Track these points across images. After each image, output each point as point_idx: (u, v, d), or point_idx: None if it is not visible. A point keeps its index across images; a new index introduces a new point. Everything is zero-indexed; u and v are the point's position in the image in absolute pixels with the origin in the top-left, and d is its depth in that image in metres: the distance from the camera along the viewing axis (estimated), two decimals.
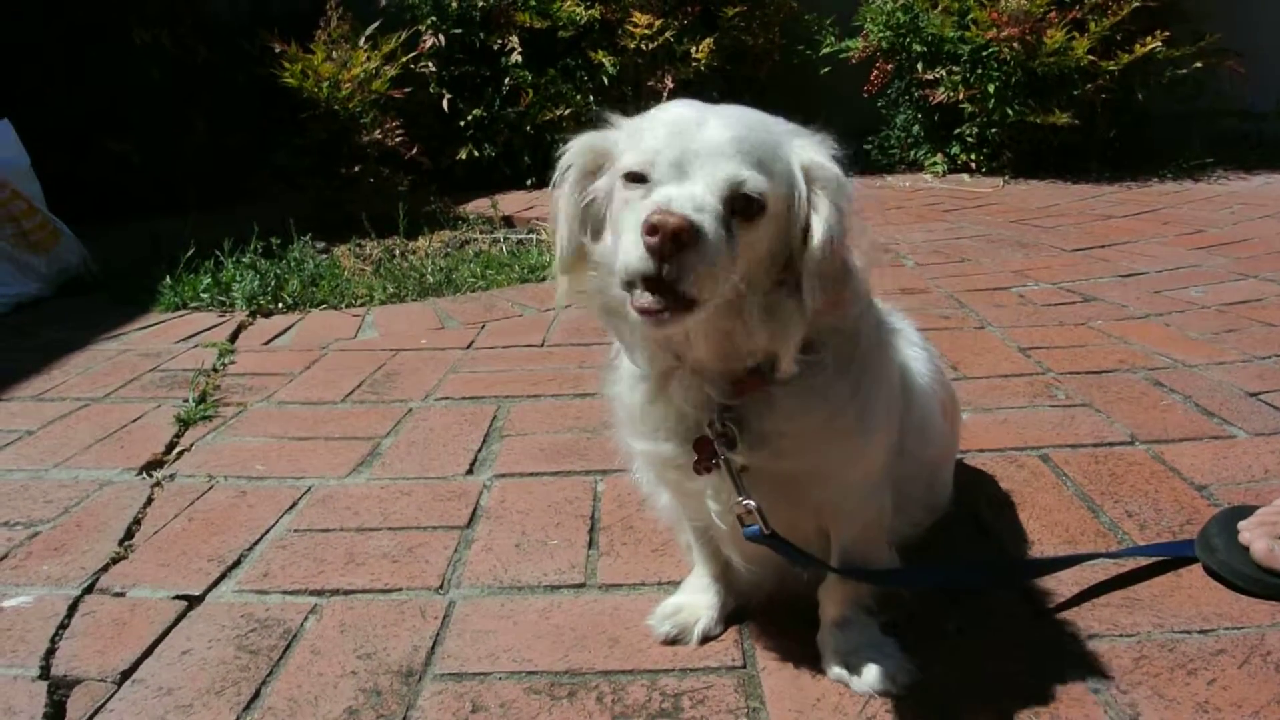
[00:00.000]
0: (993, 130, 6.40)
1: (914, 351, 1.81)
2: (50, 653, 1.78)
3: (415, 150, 5.79)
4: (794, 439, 1.45)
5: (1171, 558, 1.91)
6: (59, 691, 1.67)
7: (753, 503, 1.46)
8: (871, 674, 1.58)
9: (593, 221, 1.45)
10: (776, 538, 1.51)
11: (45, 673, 1.72)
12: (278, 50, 5.41)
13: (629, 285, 1.24)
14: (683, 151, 1.28)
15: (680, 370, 1.44)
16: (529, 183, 6.71)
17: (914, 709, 1.54)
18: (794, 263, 1.36)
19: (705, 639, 1.72)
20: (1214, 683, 1.57)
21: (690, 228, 1.19)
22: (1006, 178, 6.45)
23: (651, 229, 1.19)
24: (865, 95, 6.85)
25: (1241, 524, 1.86)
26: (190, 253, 4.44)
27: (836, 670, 1.61)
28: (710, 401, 1.44)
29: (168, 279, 4.29)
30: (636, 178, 1.31)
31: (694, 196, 1.24)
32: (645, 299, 1.23)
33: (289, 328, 3.81)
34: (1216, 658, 1.63)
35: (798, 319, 1.35)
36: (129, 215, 5.79)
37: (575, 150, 1.46)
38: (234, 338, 3.69)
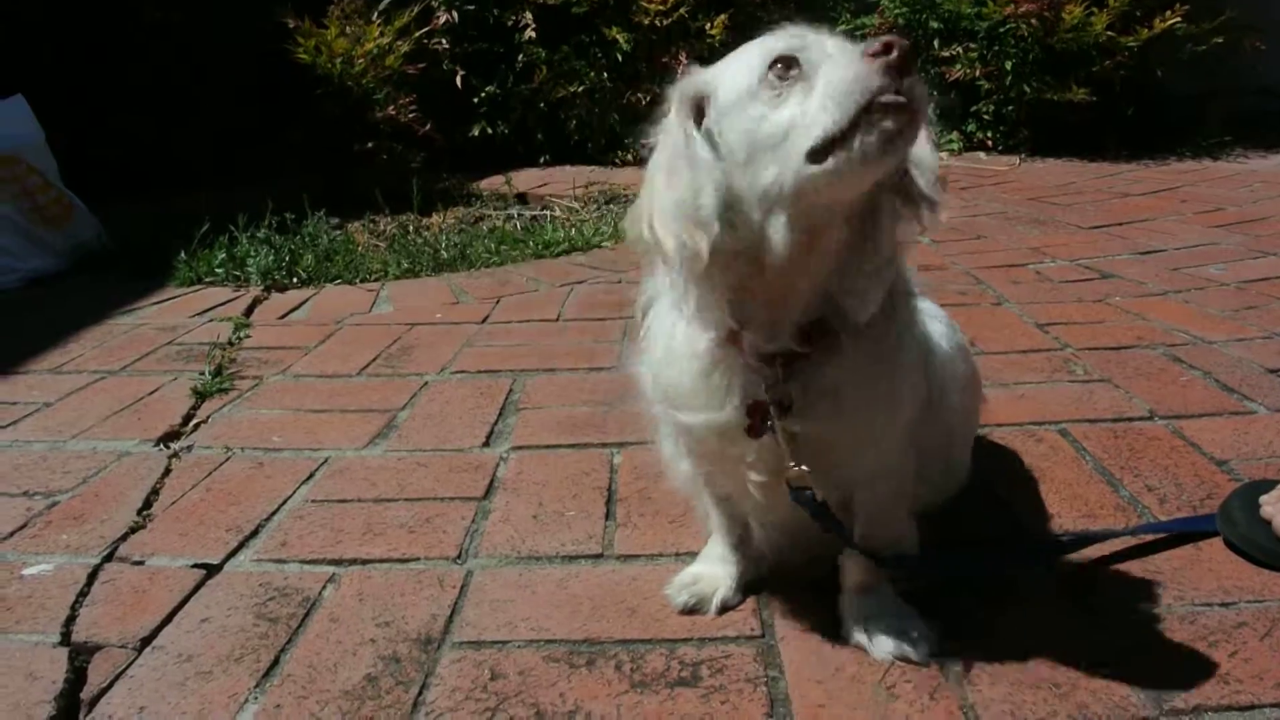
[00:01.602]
0: (1010, 108, 6.36)
1: (936, 326, 1.81)
2: (71, 619, 1.79)
3: (428, 127, 5.78)
4: (851, 397, 1.43)
5: (1192, 532, 1.90)
6: (80, 657, 1.68)
7: (806, 467, 1.45)
8: (892, 641, 1.58)
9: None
10: (825, 508, 1.50)
11: (66, 639, 1.73)
12: (291, 26, 5.40)
13: (826, 143, 1.21)
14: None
15: (744, 332, 1.41)
16: (542, 160, 6.70)
17: (932, 679, 1.54)
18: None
19: (724, 609, 1.72)
20: (1235, 655, 1.56)
21: (915, 50, 1.20)
22: (1023, 155, 6.41)
23: (886, 47, 1.18)
24: None
25: (1263, 498, 1.85)
26: (205, 228, 4.44)
27: (857, 636, 1.61)
28: (768, 369, 1.42)
29: (182, 254, 4.29)
30: (787, 62, 1.27)
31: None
32: (893, 97, 1.19)
33: (304, 302, 3.81)
34: (1238, 630, 1.62)
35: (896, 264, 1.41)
36: (143, 191, 5.80)
37: (677, 89, 1.41)
38: (249, 312, 3.70)
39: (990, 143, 6.56)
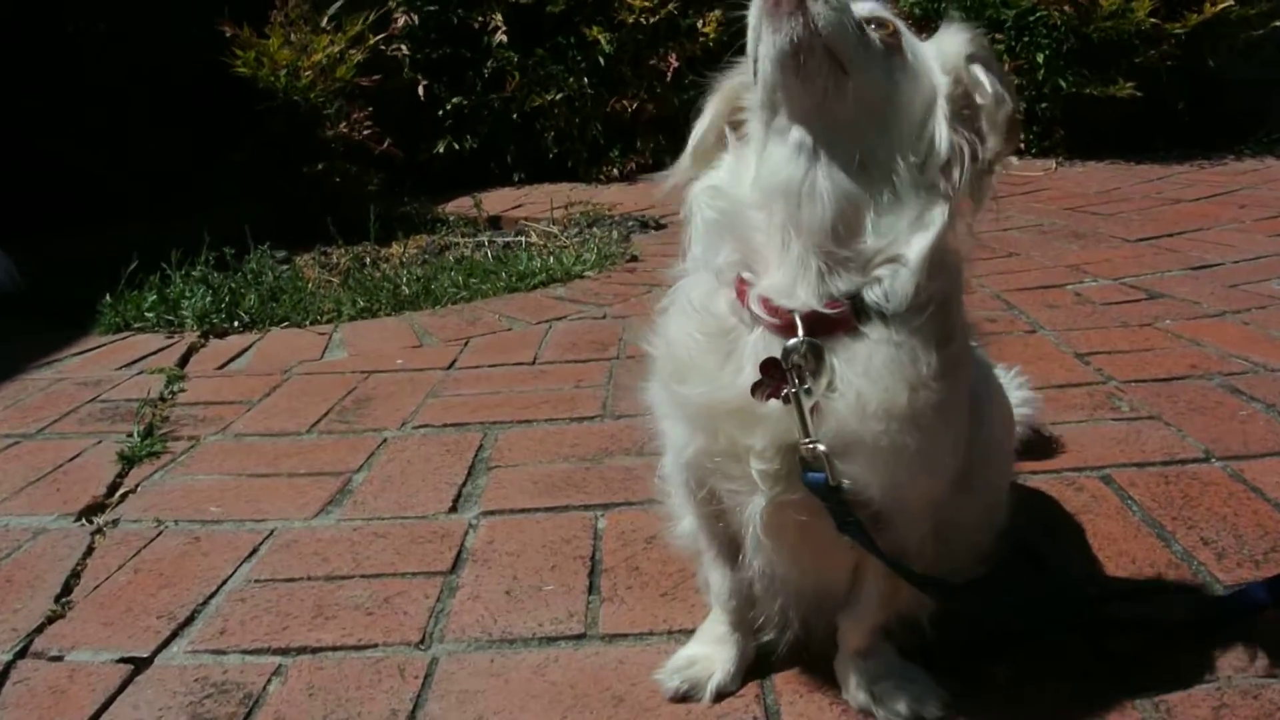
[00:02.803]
0: (1043, 105, 6.42)
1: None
2: None
3: (386, 144, 5.82)
4: (872, 398, 1.45)
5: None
6: None
7: (822, 446, 1.46)
8: (902, 703, 1.65)
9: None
10: (838, 494, 1.50)
11: None
12: (228, 35, 5.45)
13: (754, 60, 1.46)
14: None
15: (756, 285, 1.51)
16: (516, 178, 6.75)
17: None
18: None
19: (720, 695, 1.73)
20: None
21: None
22: (1060, 159, 6.46)
23: None
24: None
25: None
26: (133, 266, 4.45)
27: (862, 699, 1.67)
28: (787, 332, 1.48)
29: (108, 296, 4.31)
30: None
31: None
32: None
33: (246, 349, 3.83)
34: None
35: (940, 212, 1.46)
36: (64, 224, 5.82)
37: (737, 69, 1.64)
38: (184, 362, 3.71)
39: (1023, 145, 6.60)
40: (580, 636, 1.94)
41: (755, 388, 1.48)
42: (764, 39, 1.42)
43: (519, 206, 6.02)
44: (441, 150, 6.62)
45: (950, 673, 1.71)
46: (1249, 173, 5.88)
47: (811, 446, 1.46)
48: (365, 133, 5.76)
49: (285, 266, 4.89)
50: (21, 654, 1.99)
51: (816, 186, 1.45)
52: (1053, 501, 2.30)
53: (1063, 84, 6.22)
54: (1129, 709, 1.64)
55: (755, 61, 1.46)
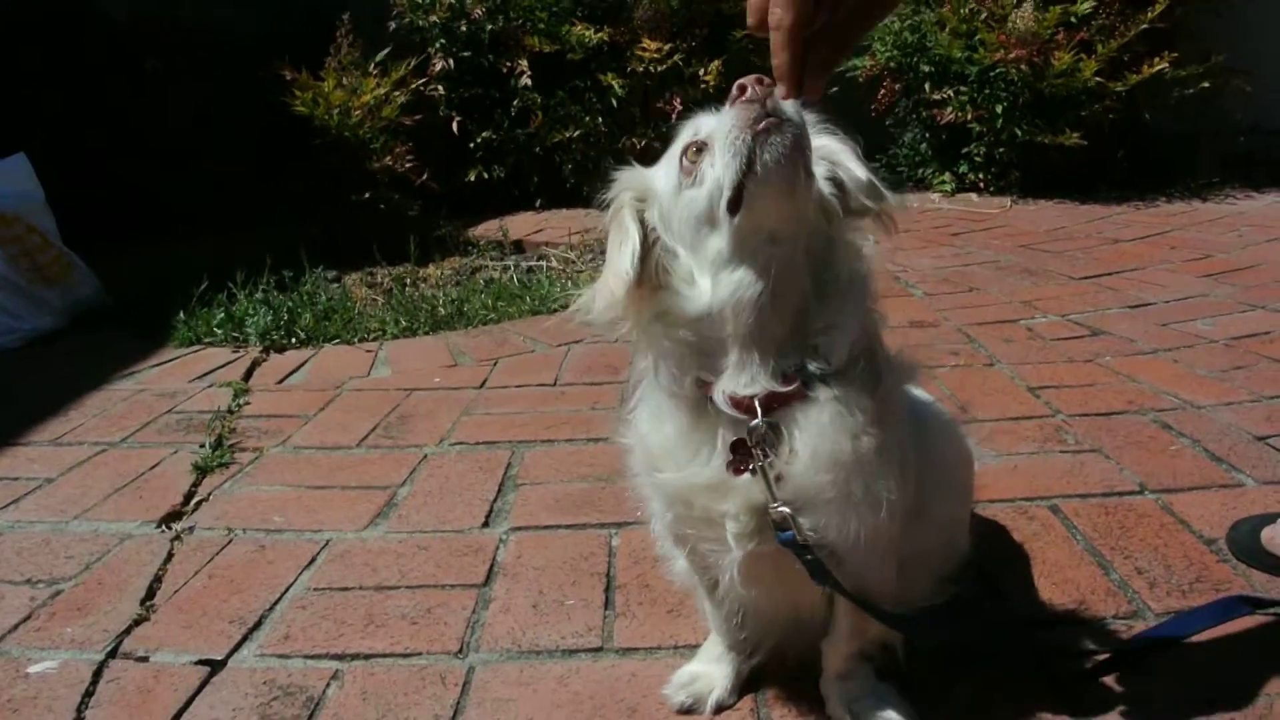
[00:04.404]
0: (1001, 150, 6.41)
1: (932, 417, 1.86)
2: None
3: (425, 176, 5.83)
4: (823, 453, 1.46)
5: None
6: None
7: (786, 509, 1.47)
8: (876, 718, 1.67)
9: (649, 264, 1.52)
10: (806, 549, 1.50)
11: None
12: (288, 78, 5.45)
13: (736, 188, 1.37)
14: None
15: (716, 383, 1.49)
16: (538, 203, 6.74)
17: None
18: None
19: (719, 709, 1.76)
20: None
21: (768, 80, 1.36)
22: (1014, 197, 6.46)
23: (740, 89, 1.36)
24: (873, 114, 6.86)
25: (1266, 529, 2.12)
26: (204, 286, 4.47)
27: (841, 715, 1.70)
28: (749, 416, 1.47)
29: (181, 314, 4.32)
30: (696, 147, 1.44)
31: None
32: (766, 120, 1.34)
33: (302, 364, 3.84)
34: None
35: (859, 271, 1.51)
36: (142, 244, 5.83)
37: (621, 180, 1.59)
38: (248, 375, 3.72)
39: (982, 184, 6.61)
40: (598, 650, 1.96)
41: (728, 465, 1.49)
42: (758, 160, 1.34)
43: (540, 231, 6.02)
44: (472, 178, 6.61)
45: (920, 691, 1.74)
46: (1178, 214, 5.87)
47: (779, 511, 1.48)
48: (407, 165, 5.77)
49: (336, 285, 4.90)
50: (113, 654, 2.01)
51: (785, 292, 1.44)
52: (1006, 529, 2.32)
53: (1018, 132, 6.21)
54: None
55: (731, 188, 1.37)
